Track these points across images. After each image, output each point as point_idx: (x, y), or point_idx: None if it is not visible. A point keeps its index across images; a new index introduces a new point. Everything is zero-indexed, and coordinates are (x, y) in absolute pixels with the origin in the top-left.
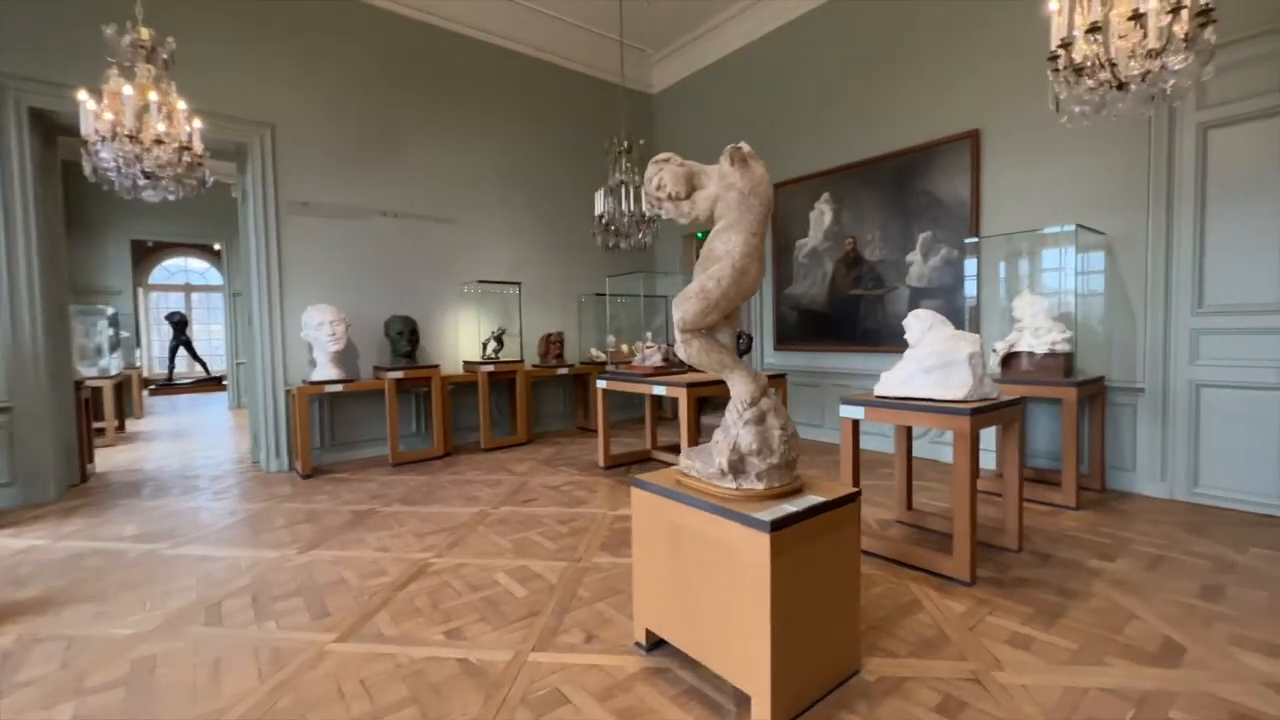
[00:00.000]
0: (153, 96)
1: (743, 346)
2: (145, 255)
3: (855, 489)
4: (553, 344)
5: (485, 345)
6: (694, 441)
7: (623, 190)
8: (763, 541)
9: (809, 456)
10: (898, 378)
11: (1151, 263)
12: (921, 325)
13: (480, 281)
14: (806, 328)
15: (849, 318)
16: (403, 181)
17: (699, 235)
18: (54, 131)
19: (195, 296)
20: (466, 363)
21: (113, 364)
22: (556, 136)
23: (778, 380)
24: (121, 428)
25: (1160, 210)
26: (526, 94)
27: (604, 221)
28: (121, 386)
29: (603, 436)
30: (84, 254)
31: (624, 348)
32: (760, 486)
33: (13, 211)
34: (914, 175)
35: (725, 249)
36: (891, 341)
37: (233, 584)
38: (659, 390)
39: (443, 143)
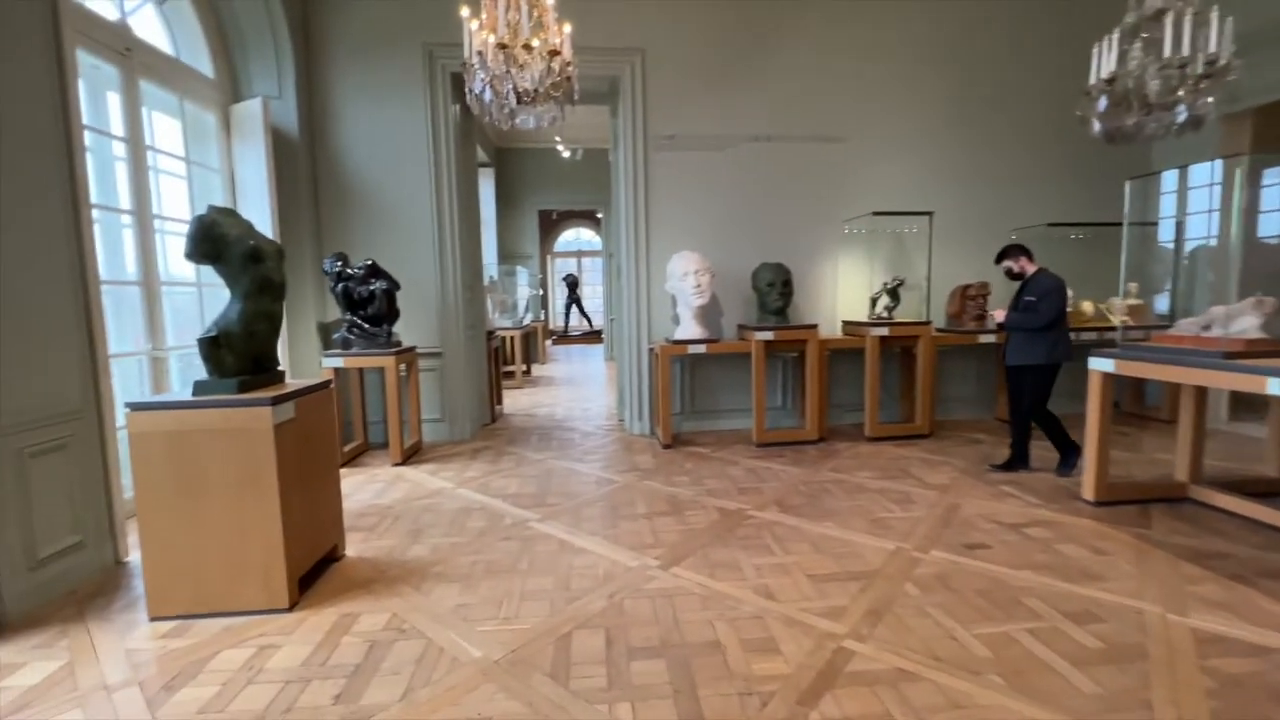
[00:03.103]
0: None
1: None
2: (550, 227)
3: None
4: (972, 300)
5: (874, 301)
6: None
7: (1166, 22)
8: None
9: None
10: None
11: None
12: None
13: (875, 214)
14: None
15: None
16: (777, 97)
17: None
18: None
19: (585, 261)
20: (847, 323)
21: (526, 317)
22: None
23: None
24: (528, 372)
25: None
26: None
27: (1111, 89)
28: (529, 337)
29: (1097, 453)
30: (505, 223)
31: (1084, 306)
32: None
33: (442, 182)
34: None
35: None
36: None
37: (588, 603)
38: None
39: (831, 37)
